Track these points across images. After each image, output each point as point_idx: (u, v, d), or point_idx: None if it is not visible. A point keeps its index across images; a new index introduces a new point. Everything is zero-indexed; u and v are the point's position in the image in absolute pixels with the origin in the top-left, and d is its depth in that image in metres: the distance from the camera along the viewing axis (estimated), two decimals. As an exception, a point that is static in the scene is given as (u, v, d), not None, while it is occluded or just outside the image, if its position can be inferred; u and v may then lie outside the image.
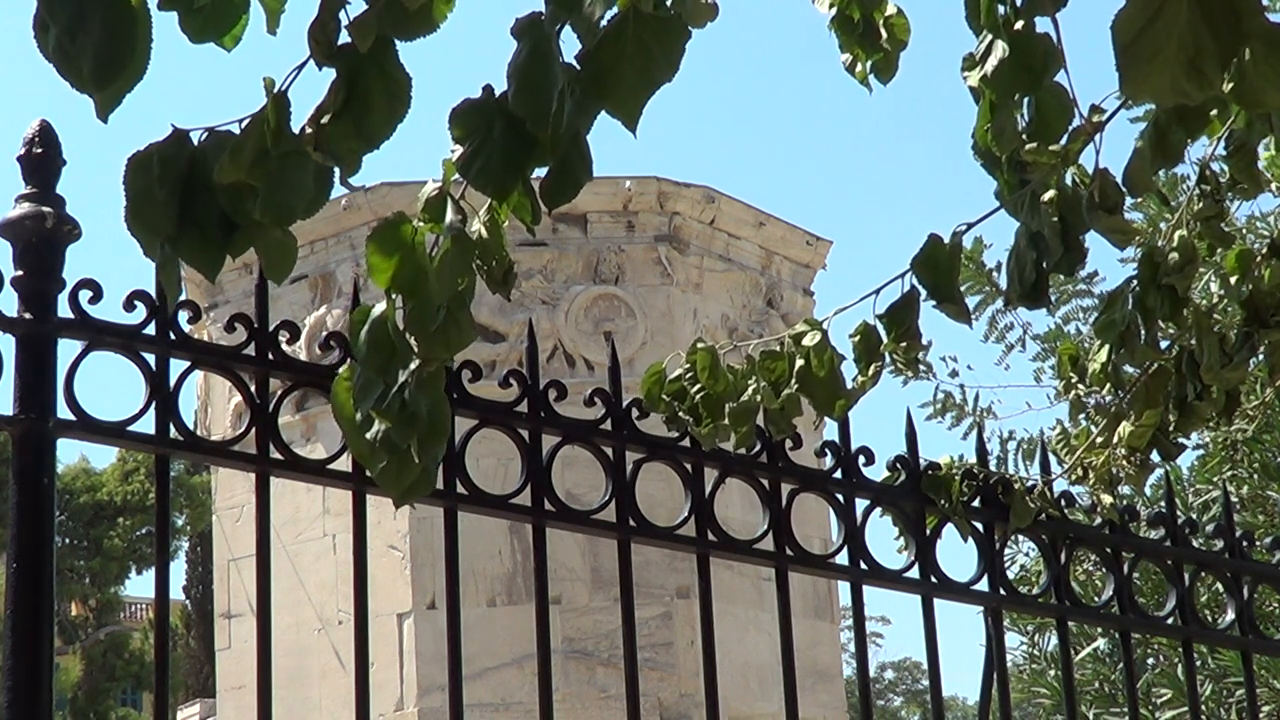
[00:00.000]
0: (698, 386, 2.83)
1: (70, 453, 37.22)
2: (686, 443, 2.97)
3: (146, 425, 2.55)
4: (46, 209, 2.49)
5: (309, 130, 1.91)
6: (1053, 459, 3.43)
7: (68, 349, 2.50)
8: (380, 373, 2.13)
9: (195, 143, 1.94)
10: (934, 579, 3.19)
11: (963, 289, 2.81)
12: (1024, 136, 2.42)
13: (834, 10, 2.59)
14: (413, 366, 2.13)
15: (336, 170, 1.95)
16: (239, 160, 1.89)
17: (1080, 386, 3.23)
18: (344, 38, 1.89)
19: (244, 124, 1.92)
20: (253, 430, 2.66)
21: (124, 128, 1.90)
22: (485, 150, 2.01)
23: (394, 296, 2.12)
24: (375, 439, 2.18)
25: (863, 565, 3.12)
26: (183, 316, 2.61)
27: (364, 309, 2.18)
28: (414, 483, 2.22)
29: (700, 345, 2.86)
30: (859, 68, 2.63)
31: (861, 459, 3.16)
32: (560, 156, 2.00)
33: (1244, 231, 6.39)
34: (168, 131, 1.94)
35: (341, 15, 1.87)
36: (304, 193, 1.93)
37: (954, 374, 7.72)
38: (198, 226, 1.95)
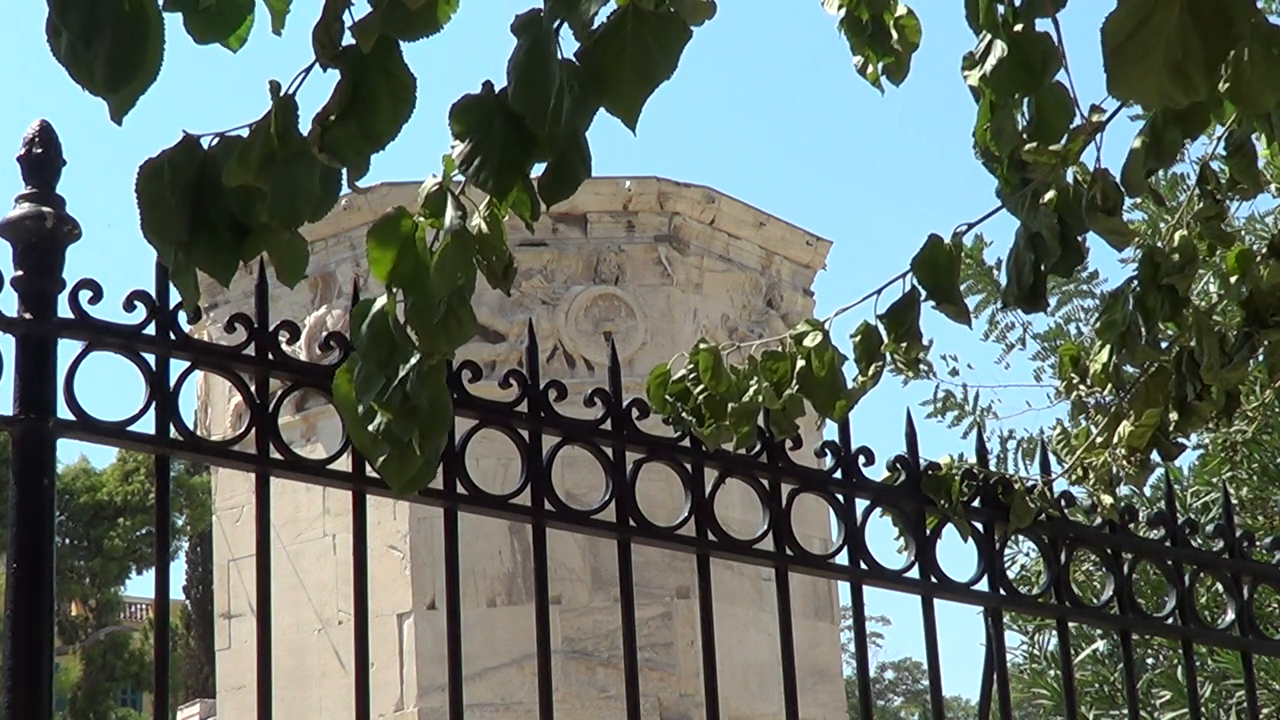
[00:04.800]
0: (700, 387, 2.83)
1: (70, 453, 37.23)
2: (686, 442, 2.97)
3: (146, 425, 2.55)
4: (46, 209, 2.49)
5: (314, 131, 1.91)
6: (1053, 459, 3.43)
7: (68, 349, 2.50)
8: (381, 366, 2.14)
9: (205, 148, 1.95)
10: (934, 579, 3.19)
11: (963, 288, 2.82)
12: (1024, 136, 2.42)
13: (843, 11, 2.58)
14: (414, 360, 2.13)
15: (344, 171, 1.95)
16: (246, 163, 1.90)
17: (1081, 386, 3.24)
18: (349, 39, 1.89)
19: (252, 127, 1.92)
20: (253, 430, 2.66)
21: (127, 128, 1.90)
22: (485, 147, 2.01)
23: (394, 291, 2.12)
24: (377, 431, 2.18)
25: (863, 565, 3.12)
26: (182, 316, 2.60)
27: (365, 303, 2.19)
28: (415, 474, 2.22)
29: (703, 346, 2.86)
30: (870, 69, 2.63)
31: (861, 459, 3.16)
32: (559, 153, 2.00)
33: (1242, 232, 6.39)
34: (174, 134, 1.95)
35: (346, 17, 1.87)
36: (311, 195, 1.93)
37: (954, 373, 7.73)
38: (209, 231, 1.96)
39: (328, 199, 1.95)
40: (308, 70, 1.91)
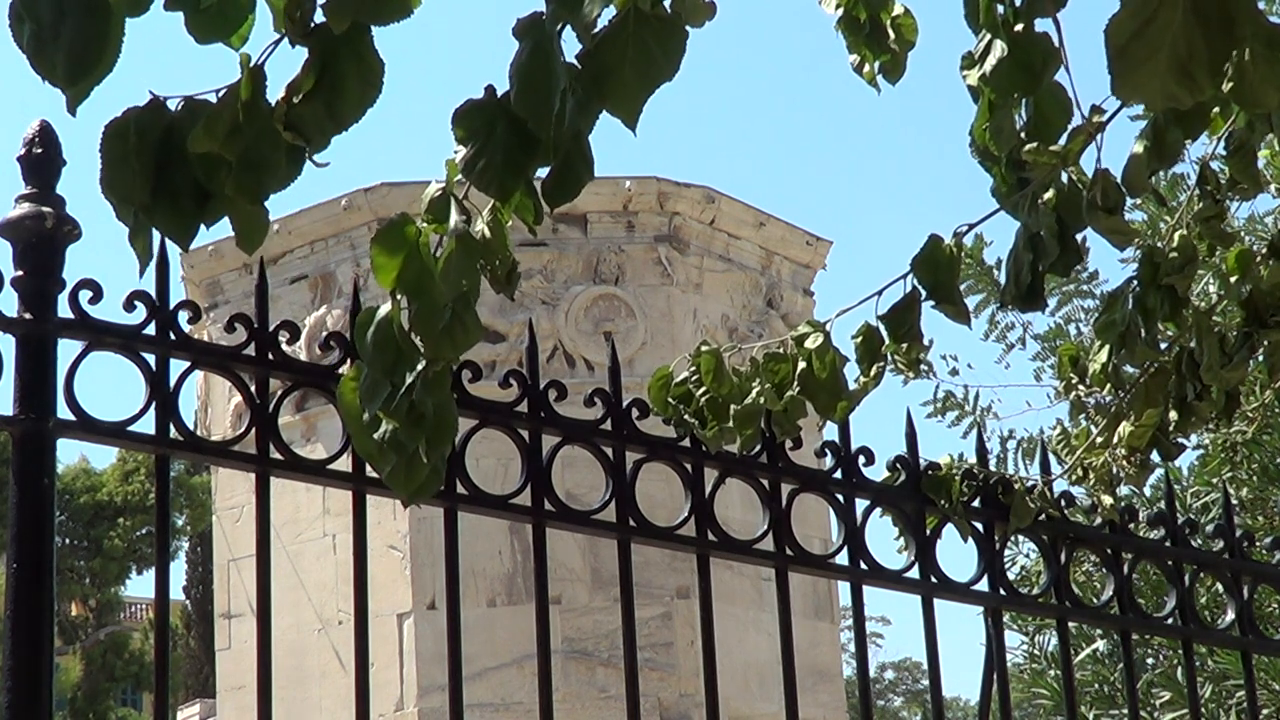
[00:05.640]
0: (703, 390, 2.83)
1: (70, 453, 37.24)
2: (686, 442, 2.97)
3: (146, 425, 2.55)
4: (46, 209, 2.49)
5: (280, 107, 1.91)
6: (1053, 459, 3.43)
7: (68, 349, 2.50)
8: (387, 374, 2.13)
9: (172, 111, 1.94)
10: (934, 579, 3.19)
11: (963, 288, 2.82)
12: (1022, 135, 2.42)
13: (840, 10, 2.58)
14: (419, 367, 2.13)
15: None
16: (213, 131, 1.89)
17: (1080, 386, 3.24)
18: (320, 18, 1.88)
19: (220, 95, 1.92)
20: (253, 430, 2.66)
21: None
22: (488, 151, 2.01)
23: (399, 297, 2.12)
24: (383, 439, 2.18)
25: (863, 565, 3.12)
26: (183, 317, 2.61)
27: (369, 310, 2.19)
28: (423, 482, 2.22)
29: (705, 348, 2.86)
30: (867, 68, 2.63)
31: (861, 459, 3.16)
32: (562, 156, 2.00)
33: (1242, 232, 6.39)
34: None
35: None
36: (276, 170, 1.93)
37: (954, 373, 7.71)
38: (171, 195, 1.95)
39: (292, 173, 1.95)
40: (276, 43, 1.91)
